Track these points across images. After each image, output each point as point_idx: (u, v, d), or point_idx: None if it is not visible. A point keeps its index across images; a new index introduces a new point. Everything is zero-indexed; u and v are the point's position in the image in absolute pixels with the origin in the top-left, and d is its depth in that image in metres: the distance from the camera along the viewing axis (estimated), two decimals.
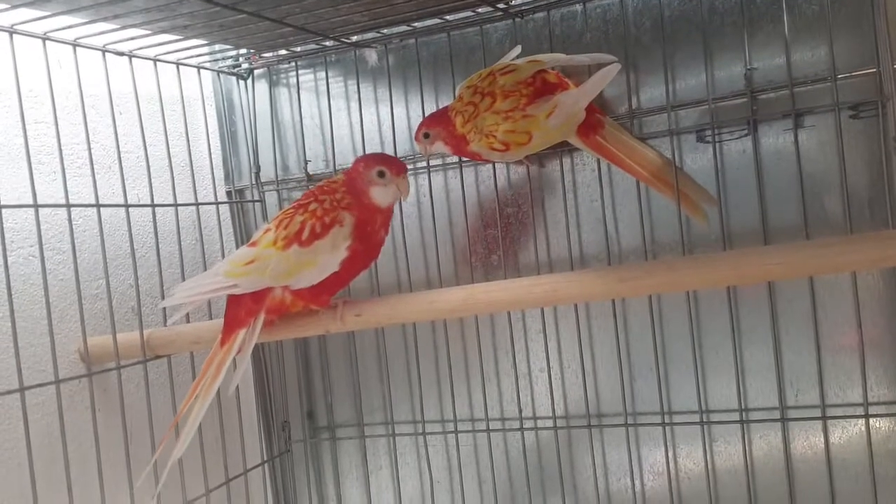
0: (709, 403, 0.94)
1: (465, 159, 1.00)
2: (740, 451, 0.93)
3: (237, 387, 0.89)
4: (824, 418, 0.89)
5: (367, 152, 1.02)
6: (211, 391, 0.82)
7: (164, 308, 0.94)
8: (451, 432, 1.05)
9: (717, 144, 0.91)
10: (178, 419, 0.84)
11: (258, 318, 0.83)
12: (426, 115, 0.96)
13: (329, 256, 0.81)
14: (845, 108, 0.86)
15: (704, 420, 0.94)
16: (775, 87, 0.88)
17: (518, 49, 0.94)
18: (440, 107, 0.95)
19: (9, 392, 0.78)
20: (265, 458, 1.12)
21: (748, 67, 0.89)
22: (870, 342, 0.88)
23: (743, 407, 0.92)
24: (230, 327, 0.84)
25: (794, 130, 0.88)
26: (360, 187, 0.83)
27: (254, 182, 1.12)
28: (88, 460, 0.86)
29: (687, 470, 0.96)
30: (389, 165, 0.83)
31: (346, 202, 0.82)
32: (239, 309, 0.83)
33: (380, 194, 0.83)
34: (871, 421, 0.88)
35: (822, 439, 0.90)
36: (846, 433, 0.90)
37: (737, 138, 0.91)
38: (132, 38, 0.88)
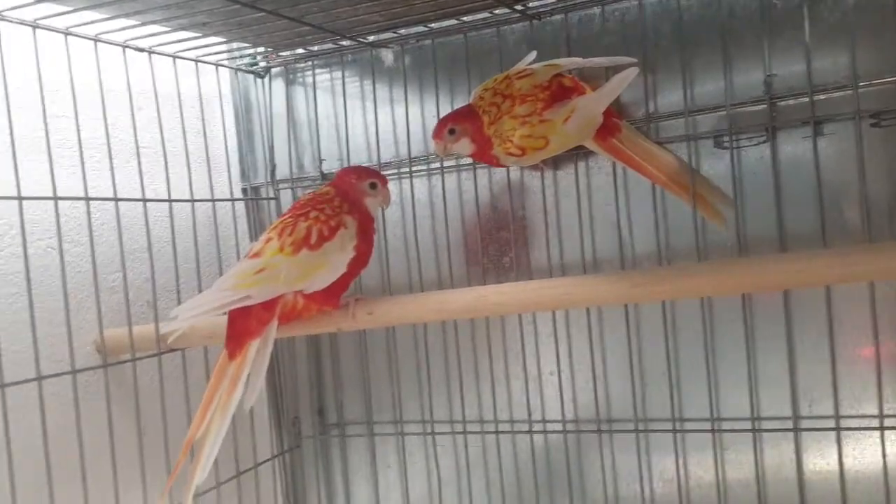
0: (720, 411, 0.93)
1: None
2: (751, 461, 0.92)
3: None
4: (838, 429, 0.88)
5: (380, 152, 1.06)
6: (228, 410, 0.79)
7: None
8: (460, 433, 1.05)
9: (735, 150, 0.90)
10: (191, 439, 0.80)
11: (271, 327, 0.82)
12: (441, 116, 0.95)
13: (339, 257, 0.82)
14: (866, 116, 0.85)
15: (716, 428, 0.93)
16: (795, 94, 0.87)
17: (533, 55, 0.93)
18: (455, 108, 0.94)
19: (26, 381, 0.79)
20: (275, 453, 1.13)
21: (768, 74, 0.88)
22: (886, 354, 0.86)
23: (755, 416, 0.92)
24: (240, 340, 0.81)
25: (813, 138, 0.87)
26: (353, 197, 0.88)
27: (269, 180, 1.13)
28: (102, 451, 0.87)
29: (697, 477, 0.95)
30: (379, 178, 0.90)
31: (347, 208, 0.86)
32: (248, 320, 0.81)
33: (371, 204, 0.89)
34: (887, 434, 0.86)
35: (836, 451, 0.89)
36: (860, 446, 0.89)
37: (755, 145, 0.90)
38: (152, 35, 0.89)
